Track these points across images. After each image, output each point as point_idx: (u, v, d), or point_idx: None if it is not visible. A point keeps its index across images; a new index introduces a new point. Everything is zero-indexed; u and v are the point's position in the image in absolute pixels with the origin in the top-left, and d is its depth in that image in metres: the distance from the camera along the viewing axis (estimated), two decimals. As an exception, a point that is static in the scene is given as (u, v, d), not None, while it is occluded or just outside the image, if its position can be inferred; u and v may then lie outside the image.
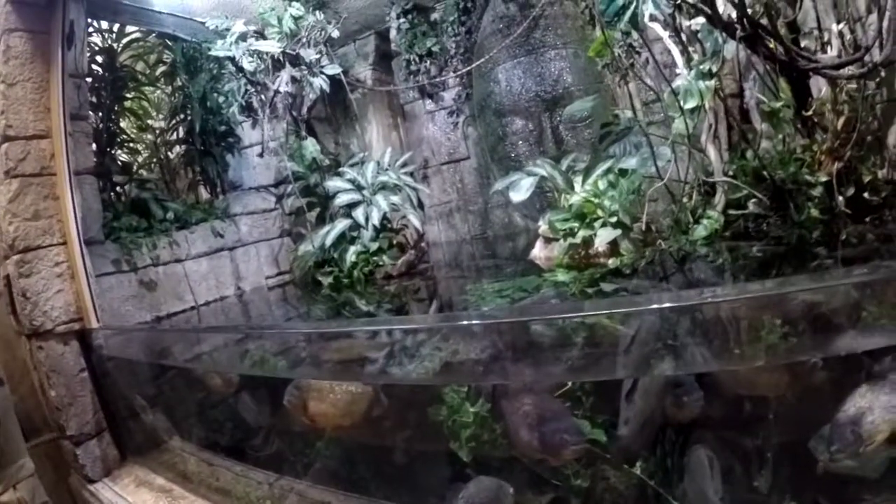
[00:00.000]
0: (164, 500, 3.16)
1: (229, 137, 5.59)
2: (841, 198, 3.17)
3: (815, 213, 3.07)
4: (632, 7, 3.04)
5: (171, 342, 3.48)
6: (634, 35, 3.98)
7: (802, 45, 3.54)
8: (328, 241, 4.94)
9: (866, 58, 3.36)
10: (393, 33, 6.20)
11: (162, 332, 4.00)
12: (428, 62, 5.96)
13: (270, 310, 5.15)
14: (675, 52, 3.50)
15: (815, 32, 3.51)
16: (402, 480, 2.66)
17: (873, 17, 3.29)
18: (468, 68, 5.43)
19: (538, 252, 3.58)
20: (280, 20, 5.19)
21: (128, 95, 5.13)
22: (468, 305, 3.51)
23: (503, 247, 5.50)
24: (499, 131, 5.02)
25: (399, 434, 2.76)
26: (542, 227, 3.53)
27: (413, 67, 6.03)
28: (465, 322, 2.34)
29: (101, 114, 4.71)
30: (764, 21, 3.13)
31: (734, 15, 3.02)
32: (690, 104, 2.99)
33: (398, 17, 6.08)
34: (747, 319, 1.95)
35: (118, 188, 4.79)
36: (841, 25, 3.30)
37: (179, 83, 5.36)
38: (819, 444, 2.00)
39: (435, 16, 6.05)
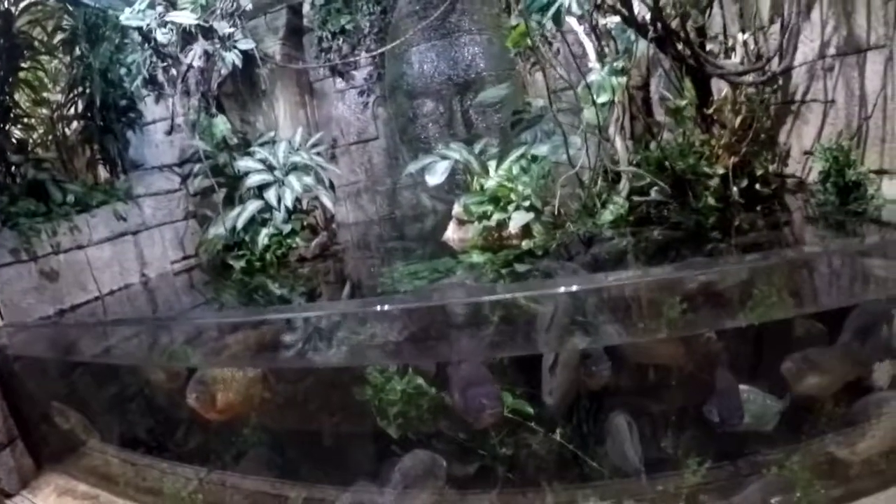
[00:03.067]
0: None
1: (131, 113, 5.20)
2: (735, 188, 3.41)
3: (711, 201, 3.30)
4: (556, 4, 3.15)
5: (81, 337, 3.28)
6: (549, 25, 4.09)
7: (708, 48, 3.76)
8: (239, 224, 4.78)
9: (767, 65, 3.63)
10: (306, 8, 6.06)
11: (71, 326, 3.76)
12: (340, 40, 5.88)
13: (178, 297, 4.90)
14: (589, 46, 3.63)
15: (721, 38, 3.73)
16: (333, 462, 2.66)
17: (776, 27, 3.53)
18: (382, 49, 5.40)
19: (451, 234, 3.63)
20: (193, -10, 4.94)
21: (23, 65, 4.68)
22: (386, 288, 3.52)
23: (411, 228, 5.54)
24: (409, 113, 5.06)
25: (327, 417, 2.76)
26: (457, 209, 3.59)
27: (325, 45, 5.93)
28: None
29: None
30: (675, 25, 3.32)
31: (648, 17, 3.17)
32: (603, 98, 3.14)
33: (313, -7, 5.92)
34: (649, 298, 2.11)
35: (13, 168, 4.36)
36: (746, 35, 3.53)
37: (79, 53, 4.88)
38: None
39: (351, -7, 5.95)
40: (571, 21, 3.74)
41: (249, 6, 5.31)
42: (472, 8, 4.98)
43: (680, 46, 3.17)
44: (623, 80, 3.15)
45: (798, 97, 3.95)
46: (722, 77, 3.19)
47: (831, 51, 3.77)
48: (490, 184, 3.25)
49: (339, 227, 5.62)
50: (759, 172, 3.56)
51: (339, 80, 5.97)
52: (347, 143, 6.01)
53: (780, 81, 3.86)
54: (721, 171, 3.31)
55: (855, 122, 3.70)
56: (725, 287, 2.29)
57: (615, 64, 3.17)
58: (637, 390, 2.52)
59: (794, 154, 4.02)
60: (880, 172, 3.54)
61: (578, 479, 2.32)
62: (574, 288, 2.05)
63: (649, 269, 2.72)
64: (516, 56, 4.63)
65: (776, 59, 3.66)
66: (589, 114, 3.26)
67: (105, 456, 3.25)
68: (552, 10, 3.05)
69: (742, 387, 2.35)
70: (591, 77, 3.20)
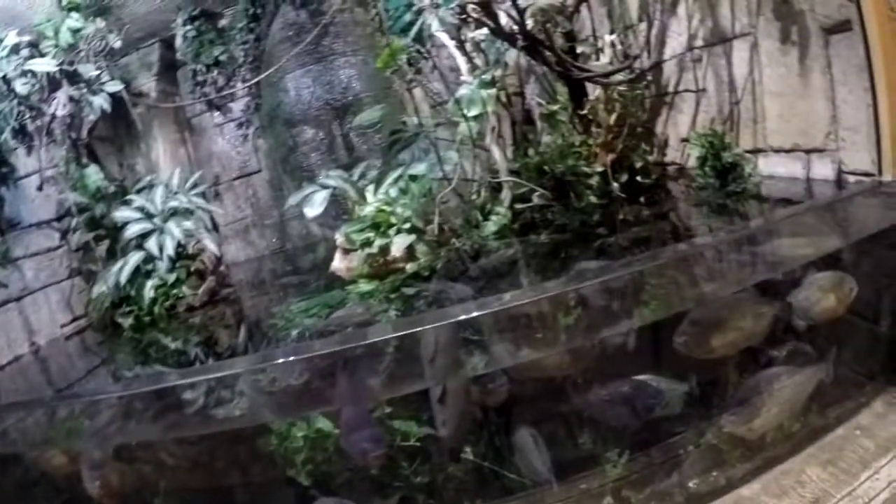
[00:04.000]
0: None
1: (2, 167, 4.84)
2: (616, 184, 3.43)
3: (593, 199, 3.31)
4: (418, 23, 3.11)
5: None
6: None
7: (581, 50, 3.79)
8: (122, 279, 4.46)
9: (636, 63, 3.69)
10: (179, 41, 5.78)
11: None
12: (215, 72, 5.64)
13: (72, 364, 4.54)
14: (461, 60, 3.60)
15: (591, 40, 3.76)
16: None
17: (644, 24, 3.59)
18: (257, 78, 5.22)
19: (338, 264, 3.51)
20: (57, 32, 4.63)
21: None
22: (277, 331, 3.35)
23: (304, 259, 5.36)
24: (289, 142, 4.91)
25: (236, 472, 2.61)
26: (339, 238, 3.47)
27: (200, 78, 5.67)
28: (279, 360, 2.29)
29: None
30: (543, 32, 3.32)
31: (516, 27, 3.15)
32: (474, 111, 3.09)
33: (184, 24, 5.66)
34: (531, 316, 2.09)
35: None
36: (613, 36, 3.57)
37: None
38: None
39: (223, 22, 5.73)
40: (443, 37, 3.70)
41: (118, 44, 5.02)
42: (346, 30, 4.90)
43: (547, 53, 3.16)
44: (493, 91, 3.12)
45: (671, 89, 4.05)
46: (588, 80, 3.20)
47: (699, 42, 3.87)
48: (368, 209, 3.16)
49: (229, 267, 5.35)
50: (639, 165, 3.61)
51: (216, 113, 5.73)
52: (231, 179, 5.78)
53: (650, 77, 3.94)
54: (600, 168, 3.33)
55: (727, 107, 3.81)
56: (614, 291, 2.29)
57: (484, 76, 3.14)
58: (539, 399, 2.51)
59: (673, 143, 4.12)
60: (755, 151, 3.65)
61: (501, 494, 2.33)
62: (453, 319, 2.01)
63: (533, 284, 2.70)
64: (393, 74, 4.55)
65: (645, 57, 3.73)
66: (464, 127, 3.21)
67: None
68: (414, 28, 3.00)
69: (644, 376, 2.41)
70: (461, 91, 3.16)
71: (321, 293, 3.51)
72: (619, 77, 3.22)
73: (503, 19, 3.26)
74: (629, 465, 2.28)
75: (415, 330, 2.05)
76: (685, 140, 3.92)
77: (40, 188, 5.02)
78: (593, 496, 2.25)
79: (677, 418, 2.40)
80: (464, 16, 3.14)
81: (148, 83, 5.85)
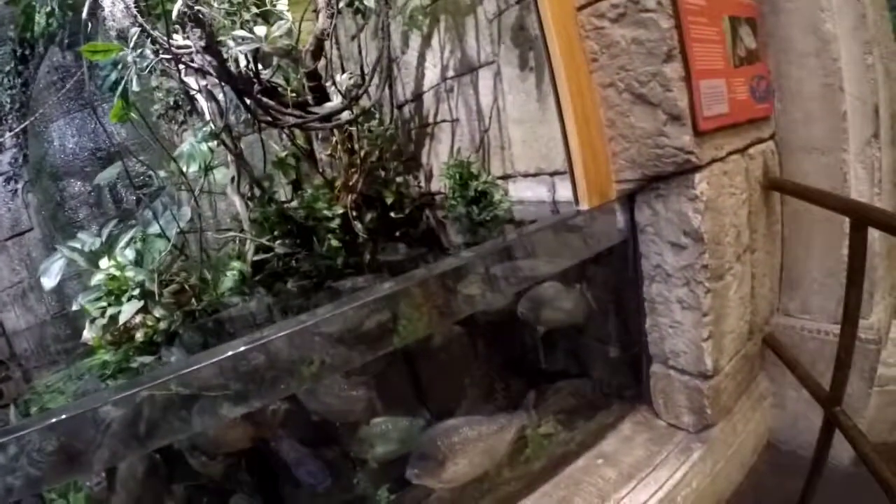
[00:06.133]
0: None
1: None
2: (360, 224, 3.52)
3: (335, 243, 3.36)
4: (122, 83, 3.04)
5: None
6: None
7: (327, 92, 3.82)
8: None
9: (368, 101, 3.76)
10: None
11: None
12: (-21, 120, 5.30)
13: None
14: (206, 106, 3.56)
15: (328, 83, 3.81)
16: None
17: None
18: (21, 126, 4.94)
19: (86, 333, 3.40)
20: None
21: None
22: (26, 410, 3.19)
23: (80, 326, 5.07)
24: (57, 196, 4.67)
25: None
26: (80, 306, 3.37)
27: (-41, 130, 5.32)
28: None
29: None
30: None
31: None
32: (193, 167, 3.07)
33: (-57, 67, 5.29)
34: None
35: None
36: (344, 76, 3.64)
37: None
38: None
39: (-10, 64, 5.39)
40: (190, 81, 3.65)
41: None
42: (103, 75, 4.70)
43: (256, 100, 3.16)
44: (213, 144, 3.11)
45: (430, 119, 4.20)
46: (298, 127, 3.25)
47: (450, 73, 4.01)
48: (99, 277, 3.09)
49: (11, 336, 5.06)
50: (391, 200, 3.72)
51: (-20, 169, 5.39)
52: (2, 240, 5.43)
53: (399, 111, 4.08)
54: (340, 210, 3.39)
55: (478, 135, 3.98)
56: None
57: (204, 129, 3.12)
58: (256, 467, 2.55)
59: (436, 172, 4.28)
60: (505, 177, 3.83)
61: None
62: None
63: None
64: (159, 119, 4.44)
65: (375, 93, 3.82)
66: (201, 181, 3.19)
67: None
68: (119, 87, 2.94)
69: (379, 419, 2.53)
70: (183, 147, 3.13)
71: (75, 364, 3.38)
72: (345, 117, 3.29)
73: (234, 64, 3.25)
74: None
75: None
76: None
77: None
78: None
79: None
80: (181, 66, 3.09)
81: None
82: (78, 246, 3.30)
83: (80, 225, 4.55)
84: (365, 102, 3.73)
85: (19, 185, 5.23)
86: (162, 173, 3.49)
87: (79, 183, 4.61)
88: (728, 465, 2.64)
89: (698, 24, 2.30)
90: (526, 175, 3.78)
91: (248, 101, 3.01)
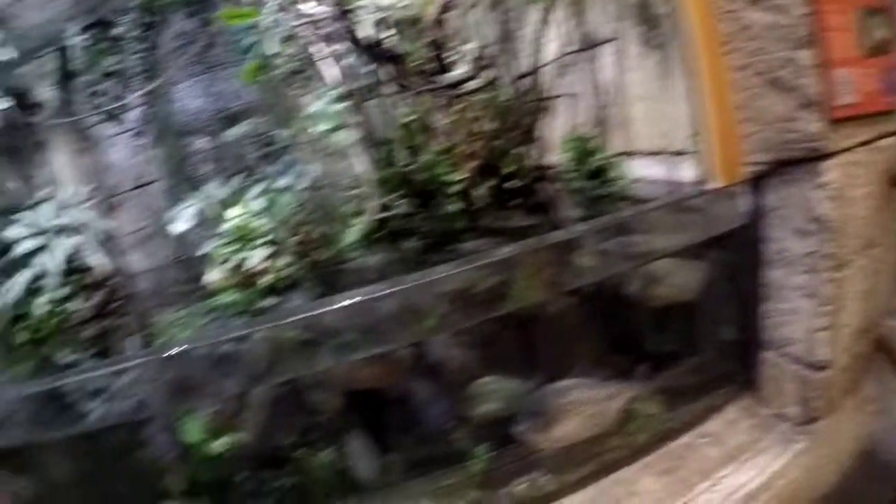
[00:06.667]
0: None
1: None
2: (481, 190, 3.52)
3: (454, 207, 3.38)
4: (256, 46, 3.17)
5: None
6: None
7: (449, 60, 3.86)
8: (14, 296, 4.48)
9: (495, 71, 3.78)
10: (74, 51, 5.72)
11: None
12: (110, 82, 5.56)
13: None
14: (328, 71, 3.64)
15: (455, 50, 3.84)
16: None
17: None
18: (150, 87, 5.19)
19: (209, 276, 3.55)
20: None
21: None
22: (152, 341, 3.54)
23: (195, 272, 5.28)
24: (181, 152, 4.90)
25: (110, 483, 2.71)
26: (208, 251, 3.51)
27: (95, 88, 5.59)
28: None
29: None
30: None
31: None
32: (324, 126, 3.15)
33: (80, 33, 5.58)
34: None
35: None
36: (471, 45, 3.66)
37: None
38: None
39: (118, 31, 5.66)
40: (313, 49, 3.74)
41: (14, 54, 4.95)
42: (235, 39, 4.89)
43: (395, 65, 3.24)
44: (346, 105, 3.19)
45: (549, 93, 4.16)
46: (432, 91, 3.30)
47: (571, 47, 3.97)
48: (231, 224, 3.22)
49: (123, 280, 5.35)
50: (509, 170, 3.70)
51: (112, 124, 5.66)
52: (127, 190, 5.72)
53: (523, 82, 4.05)
54: (462, 176, 3.40)
55: (598, 111, 3.92)
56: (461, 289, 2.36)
57: (337, 90, 3.21)
58: (385, 404, 2.59)
59: (552, 145, 4.24)
60: (625, 154, 3.76)
61: (361, 492, 2.44)
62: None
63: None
64: (280, 84, 4.57)
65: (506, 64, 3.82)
66: (329, 139, 3.27)
67: None
68: (254, 50, 3.07)
69: (488, 378, 2.59)
70: (313, 108, 3.22)
71: (196, 303, 3.55)
72: (472, 86, 3.31)
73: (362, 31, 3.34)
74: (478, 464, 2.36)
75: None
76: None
77: None
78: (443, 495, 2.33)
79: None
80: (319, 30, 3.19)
81: (44, 94, 5.74)
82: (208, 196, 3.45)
83: (203, 179, 4.76)
84: (488, 73, 3.73)
85: (145, 141, 5.50)
86: (287, 133, 3.60)
87: (201, 140, 4.83)
88: (826, 462, 2.57)
89: (832, 12, 2.26)
90: (645, 153, 3.70)
91: (375, 67, 3.06)
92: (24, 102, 5.21)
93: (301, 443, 2.51)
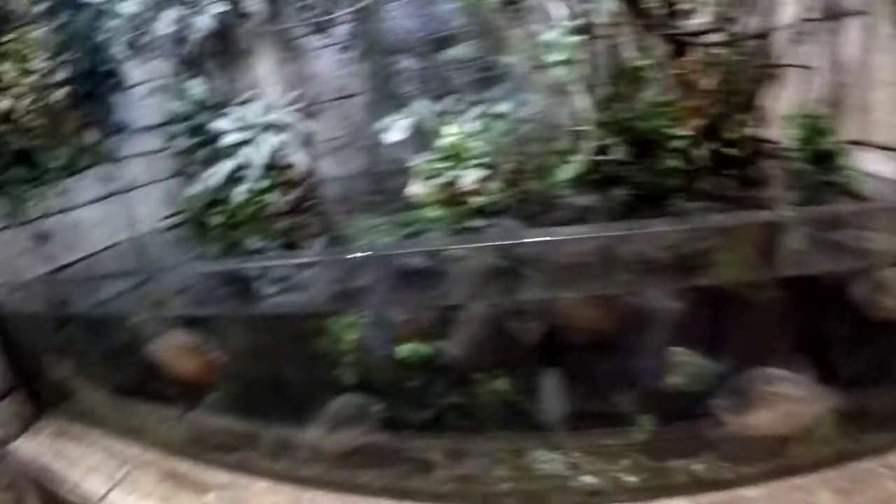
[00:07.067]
0: (82, 445, 3.24)
1: (114, 78, 5.24)
2: (701, 151, 3.35)
3: (674, 163, 3.23)
4: None
5: (74, 292, 3.54)
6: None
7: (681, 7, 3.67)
8: (216, 182, 4.85)
9: (736, 27, 3.54)
10: (285, -37, 5.97)
11: (63, 283, 3.99)
12: (321, -4, 5.79)
13: (165, 252, 5.19)
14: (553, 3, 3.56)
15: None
16: (290, 404, 2.78)
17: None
18: (360, 4, 5.34)
19: (413, 189, 3.63)
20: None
21: (5, 38, 4.68)
22: (349, 241, 3.71)
23: (389, 182, 5.41)
24: (388, 69, 5.06)
25: (289, 363, 2.86)
26: (416, 165, 3.58)
27: (305, 1, 5.84)
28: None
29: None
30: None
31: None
32: (557, 57, 3.08)
33: (291, -54, 5.83)
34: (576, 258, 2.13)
35: (1, 138, 4.39)
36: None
37: (61, 21, 4.90)
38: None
39: (331, -53, 5.84)
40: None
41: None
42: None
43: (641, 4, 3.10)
44: (581, 38, 3.10)
45: (779, 60, 3.87)
46: (677, 37, 3.12)
47: (813, 15, 3.68)
48: (447, 141, 3.25)
49: (319, 182, 5.63)
50: (729, 136, 3.50)
51: (318, 36, 5.89)
52: (328, 100, 5.98)
53: (755, 45, 3.78)
54: (686, 132, 3.25)
55: (834, 90, 3.63)
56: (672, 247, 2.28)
57: (573, 22, 3.12)
58: (577, 349, 2.53)
59: (775, 119, 3.96)
60: (857, 143, 3.47)
61: (526, 429, 2.39)
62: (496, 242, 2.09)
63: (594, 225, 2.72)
64: (494, 12, 4.56)
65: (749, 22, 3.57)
66: (553, 71, 3.21)
67: (95, 400, 3.47)
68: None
69: (677, 348, 2.40)
70: (548, 35, 3.15)
71: (393, 214, 3.71)
72: (713, 39, 3.12)
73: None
74: (654, 432, 2.30)
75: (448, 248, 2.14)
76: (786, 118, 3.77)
77: (150, 95, 5.42)
78: (614, 452, 2.30)
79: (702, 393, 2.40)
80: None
81: (254, 4, 6.04)
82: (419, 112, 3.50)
83: (405, 97, 4.91)
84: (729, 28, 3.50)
85: (350, 56, 5.72)
86: (507, 60, 3.57)
87: (408, 60, 4.94)
88: None
89: None
90: (887, 147, 3.37)
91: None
92: (238, 10, 5.49)
93: (485, 366, 2.50)
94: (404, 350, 2.60)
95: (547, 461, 2.33)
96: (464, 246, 2.16)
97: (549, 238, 2.18)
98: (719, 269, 2.30)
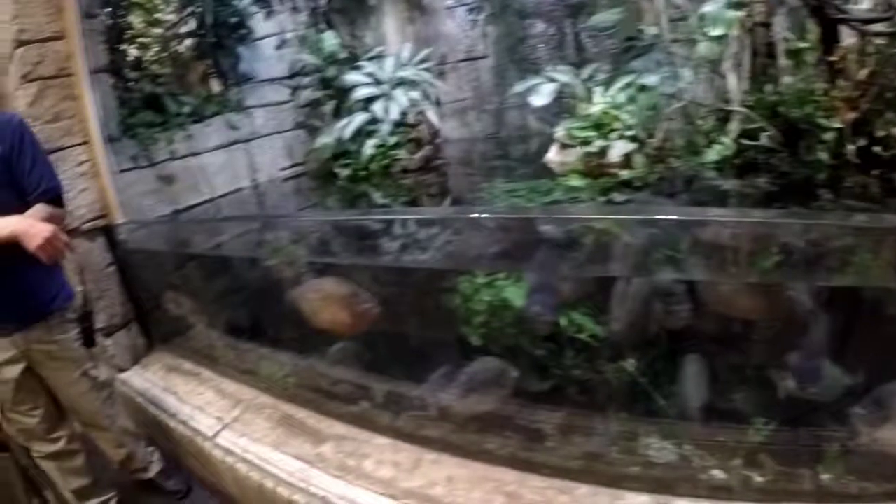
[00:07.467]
0: (193, 382, 3.28)
1: (242, 29, 5.44)
2: (852, 146, 3.24)
3: (824, 156, 3.16)
4: None
5: (193, 233, 3.60)
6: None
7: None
8: (346, 134, 5.00)
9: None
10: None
11: (184, 223, 4.09)
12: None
13: (285, 201, 5.31)
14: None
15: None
16: (416, 361, 2.77)
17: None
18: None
19: (553, 156, 3.64)
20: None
21: None
22: (484, 202, 3.66)
23: (515, 148, 5.53)
24: (519, 33, 5.08)
25: (416, 321, 2.92)
26: (560, 132, 3.59)
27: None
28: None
29: (110, 9, 4.52)
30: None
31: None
32: (716, 31, 3.02)
33: None
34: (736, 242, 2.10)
35: (131, 84, 4.68)
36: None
37: None
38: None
39: None
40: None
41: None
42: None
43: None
44: (740, 14, 3.01)
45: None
46: (843, 22, 2.99)
47: None
48: (595, 110, 3.25)
49: (443, 142, 5.68)
50: (881, 133, 3.38)
51: (450, -3, 5.95)
52: (455, 61, 6.03)
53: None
54: (838, 125, 3.16)
55: None
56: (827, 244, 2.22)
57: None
58: (717, 339, 2.50)
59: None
60: None
61: (644, 413, 2.33)
62: (656, 217, 2.06)
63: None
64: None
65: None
66: (703, 47, 3.16)
67: (209, 339, 3.54)
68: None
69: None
70: (707, 7, 3.08)
71: (528, 180, 3.71)
72: (878, 27, 2.98)
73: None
74: (773, 434, 2.18)
75: (619, 217, 2.11)
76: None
77: (279, 48, 5.66)
78: (726, 450, 2.22)
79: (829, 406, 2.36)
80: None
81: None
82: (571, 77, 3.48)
83: (537, 62, 4.95)
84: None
85: (480, 17, 5.74)
86: (654, 30, 3.51)
87: (542, 24, 4.97)
88: None
89: None
90: None
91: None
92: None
93: (633, 344, 2.49)
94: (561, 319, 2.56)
95: (672, 450, 2.24)
96: (633, 217, 2.14)
97: (726, 218, 2.14)
98: (867, 273, 2.25)
